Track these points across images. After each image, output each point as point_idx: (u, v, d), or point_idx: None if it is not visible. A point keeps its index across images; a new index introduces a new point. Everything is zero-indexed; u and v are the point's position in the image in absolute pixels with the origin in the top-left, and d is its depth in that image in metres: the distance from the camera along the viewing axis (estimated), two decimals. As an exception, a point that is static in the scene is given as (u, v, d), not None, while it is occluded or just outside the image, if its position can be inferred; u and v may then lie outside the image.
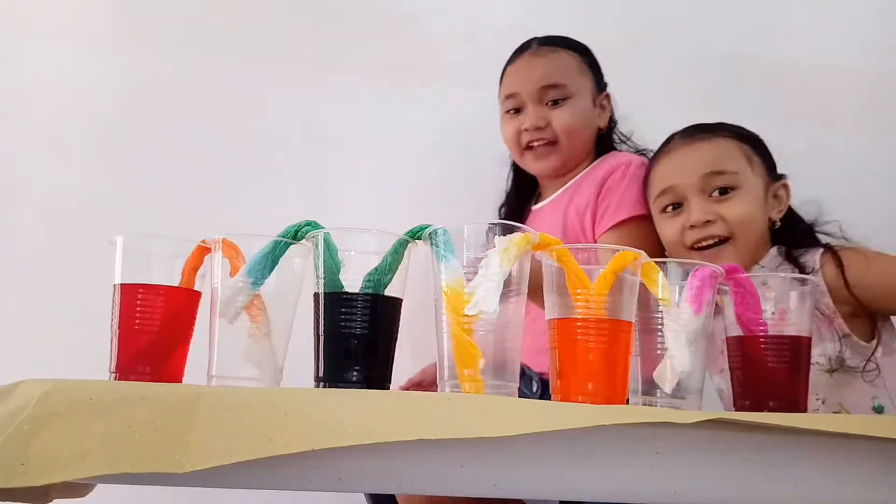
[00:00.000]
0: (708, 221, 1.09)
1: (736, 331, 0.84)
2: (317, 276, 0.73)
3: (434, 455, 0.59)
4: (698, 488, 0.64)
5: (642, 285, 0.75)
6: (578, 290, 0.71)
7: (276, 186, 1.56)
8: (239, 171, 1.55)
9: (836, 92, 1.77)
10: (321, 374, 0.71)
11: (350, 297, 0.71)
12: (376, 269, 0.72)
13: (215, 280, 0.75)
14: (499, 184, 1.57)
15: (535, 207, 1.41)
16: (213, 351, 0.74)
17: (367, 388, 0.70)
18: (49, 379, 0.56)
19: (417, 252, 0.75)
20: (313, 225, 0.74)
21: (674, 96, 1.71)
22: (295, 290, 0.77)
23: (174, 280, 0.78)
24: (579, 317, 0.71)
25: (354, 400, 0.58)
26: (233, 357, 0.74)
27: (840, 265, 1.05)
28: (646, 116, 1.68)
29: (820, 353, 1.04)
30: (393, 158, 1.60)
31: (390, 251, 0.72)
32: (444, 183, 1.58)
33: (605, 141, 1.39)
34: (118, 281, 0.77)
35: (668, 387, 0.74)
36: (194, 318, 0.79)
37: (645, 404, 0.76)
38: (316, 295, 0.73)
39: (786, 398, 0.81)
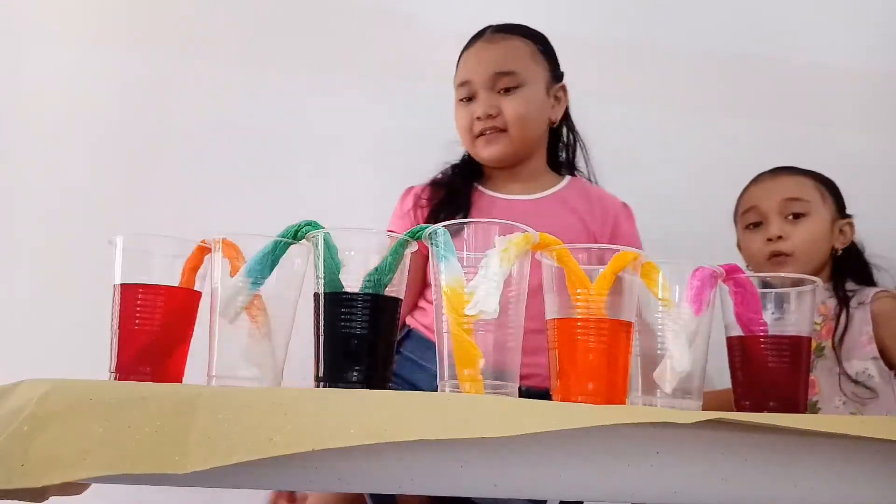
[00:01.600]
0: (780, 237, 1.34)
1: (736, 331, 0.84)
2: (317, 276, 0.73)
3: (434, 455, 0.59)
4: (698, 488, 0.63)
5: (642, 285, 0.75)
6: (578, 290, 0.71)
7: (276, 186, 1.56)
8: (239, 170, 1.56)
9: (836, 92, 1.77)
10: (321, 374, 0.71)
11: (350, 297, 0.71)
12: (376, 269, 0.72)
13: (215, 280, 0.75)
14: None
15: (495, 194, 1.35)
16: (213, 351, 0.74)
17: (367, 388, 0.70)
18: (49, 379, 0.56)
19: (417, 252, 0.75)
20: (313, 225, 0.74)
21: (674, 96, 1.71)
22: (295, 290, 0.77)
23: (174, 280, 0.78)
24: (579, 317, 0.71)
25: (354, 400, 0.58)
26: (233, 357, 0.74)
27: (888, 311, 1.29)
28: (646, 116, 1.69)
29: (850, 366, 1.26)
30: (393, 158, 1.60)
31: (390, 251, 0.72)
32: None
33: (559, 137, 1.39)
34: (118, 281, 0.77)
35: (668, 387, 0.74)
36: (194, 318, 0.79)
37: (645, 404, 0.76)
38: (316, 295, 0.73)
39: (786, 398, 0.81)
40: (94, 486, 0.56)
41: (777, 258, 1.34)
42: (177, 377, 0.77)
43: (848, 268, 1.38)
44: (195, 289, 0.79)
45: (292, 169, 1.58)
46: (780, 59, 1.76)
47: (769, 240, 1.35)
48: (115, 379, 0.74)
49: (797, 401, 0.81)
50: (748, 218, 1.41)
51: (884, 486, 0.66)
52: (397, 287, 0.73)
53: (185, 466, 0.52)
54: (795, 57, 1.76)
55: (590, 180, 1.42)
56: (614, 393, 0.70)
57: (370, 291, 0.71)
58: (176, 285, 0.78)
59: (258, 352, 0.73)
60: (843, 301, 1.31)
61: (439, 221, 0.75)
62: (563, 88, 1.37)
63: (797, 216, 1.35)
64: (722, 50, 1.74)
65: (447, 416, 0.58)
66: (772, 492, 0.64)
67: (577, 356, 0.71)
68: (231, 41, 1.57)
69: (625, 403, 0.71)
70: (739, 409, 0.83)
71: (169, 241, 0.79)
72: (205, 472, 0.52)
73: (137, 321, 0.75)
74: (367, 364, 0.71)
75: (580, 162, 1.42)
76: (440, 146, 1.60)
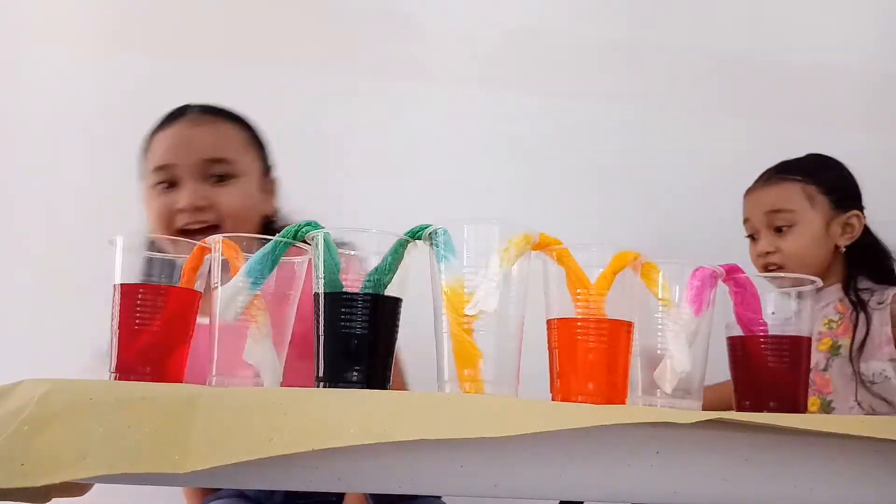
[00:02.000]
0: (769, 252, 1.33)
1: (736, 331, 0.84)
2: (317, 276, 0.73)
3: (434, 455, 0.59)
4: (698, 488, 0.64)
5: (642, 285, 0.75)
6: (578, 290, 0.71)
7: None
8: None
9: (836, 92, 1.77)
10: (321, 374, 0.71)
11: (350, 297, 0.71)
12: (376, 269, 0.72)
13: (215, 280, 0.75)
14: (497, 183, 1.57)
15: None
16: (213, 351, 0.74)
17: (367, 388, 0.70)
18: (49, 379, 0.56)
19: (417, 252, 0.75)
20: (313, 225, 0.74)
21: (674, 96, 1.71)
22: (295, 290, 0.77)
23: (174, 280, 0.78)
24: (579, 317, 0.71)
25: (354, 400, 0.58)
26: (233, 357, 0.74)
27: None
28: (646, 116, 1.69)
29: (866, 367, 1.27)
30: (393, 158, 1.60)
31: (390, 251, 0.72)
32: (444, 183, 1.58)
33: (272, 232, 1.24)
34: (118, 281, 0.77)
35: (668, 387, 0.74)
36: (194, 318, 0.79)
37: (645, 404, 0.76)
38: (316, 295, 0.73)
39: (786, 398, 0.81)
40: (96, 486, 0.56)
41: (771, 271, 1.33)
42: (177, 377, 0.77)
43: (861, 263, 1.35)
44: (195, 289, 0.79)
45: (292, 168, 1.58)
46: (780, 59, 1.76)
47: (758, 256, 1.37)
48: (115, 379, 0.74)
49: (797, 401, 0.81)
50: (746, 229, 1.42)
51: (884, 486, 0.66)
52: (397, 287, 0.73)
53: (185, 466, 0.52)
54: (796, 57, 1.76)
55: None
56: (614, 393, 0.70)
57: (370, 291, 0.71)
58: (176, 285, 0.78)
59: (258, 352, 0.73)
60: (860, 303, 1.29)
61: None
62: (274, 181, 1.23)
63: (783, 228, 1.35)
64: (722, 50, 1.74)
65: (447, 416, 0.58)
66: (772, 492, 0.64)
67: (577, 356, 0.71)
68: (230, 41, 1.57)
69: (625, 403, 0.71)
70: (739, 409, 0.83)
71: (169, 242, 0.79)
72: (205, 472, 0.52)
73: (137, 321, 0.75)
74: (367, 364, 0.71)
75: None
76: (438, 145, 1.60)
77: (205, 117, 1.15)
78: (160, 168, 1.11)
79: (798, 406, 0.81)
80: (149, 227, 1.14)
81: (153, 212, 1.12)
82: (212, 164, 1.11)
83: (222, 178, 1.11)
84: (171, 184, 1.11)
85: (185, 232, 1.09)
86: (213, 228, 1.09)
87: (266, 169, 1.21)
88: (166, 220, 1.10)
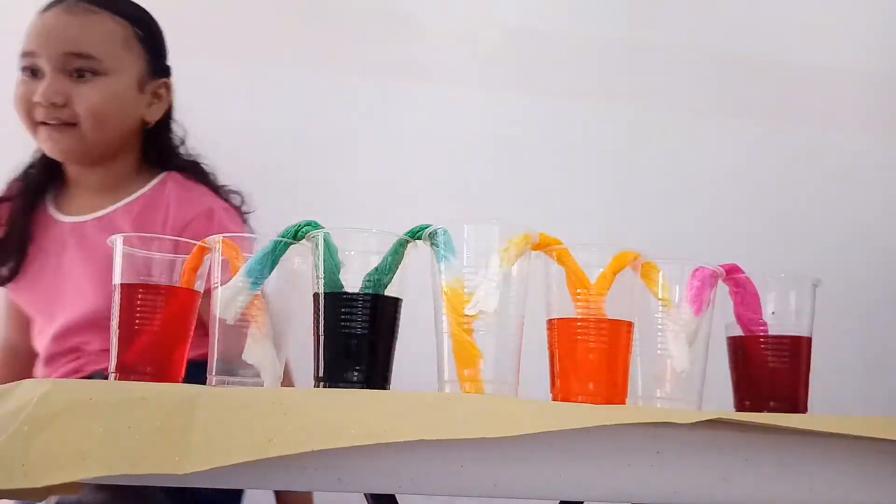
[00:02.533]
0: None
1: (736, 331, 0.84)
2: (317, 276, 0.73)
3: (434, 455, 0.59)
4: (698, 488, 0.64)
5: (642, 285, 0.75)
6: (578, 290, 0.71)
7: (276, 186, 1.56)
8: (238, 169, 1.55)
9: (836, 92, 1.77)
10: (321, 374, 0.71)
11: (350, 297, 0.71)
12: (376, 269, 0.72)
13: (215, 280, 0.75)
14: (497, 183, 1.57)
15: (64, 218, 1.13)
16: (213, 351, 0.74)
17: (367, 388, 0.70)
18: (49, 379, 0.56)
19: (417, 252, 0.75)
20: (313, 225, 0.74)
21: (674, 96, 1.71)
22: (295, 290, 0.77)
23: (174, 280, 0.78)
24: (579, 317, 0.71)
25: (354, 400, 0.58)
26: (233, 357, 0.74)
27: None
28: (646, 116, 1.69)
29: None
30: (393, 158, 1.60)
31: (390, 251, 0.72)
32: (444, 183, 1.58)
33: (160, 140, 1.17)
34: (118, 281, 0.77)
35: (668, 387, 0.75)
36: (194, 318, 0.79)
37: (645, 404, 0.76)
38: (316, 295, 0.73)
39: (786, 398, 0.81)
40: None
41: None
42: (177, 377, 0.77)
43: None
44: (195, 289, 0.79)
45: (291, 168, 1.58)
46: (780, 60, 1.76)
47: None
48: (115, 379, 0.74)
49: (797, 401, 0.81)
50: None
51: (884, 486, 0.66)
52: (397, 287, 0.73)
53: (185, 466, 0.52)
54: (795, 57, 1.76)
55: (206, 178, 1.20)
56: (614, 393, 0.70)
57: (370, 291, 0.71)
58: (176, 285, 0.78)
59: (258, 352, 0.73)
60: None
61: None
62: (167, 86, 1.15)
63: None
64: (722, 50, 1.74)
65: (447, 416, 0.58)
66: (771, 492, 0.64)
67: (577, 356, 0.71)
68: (229, 41, 1.57)
69: (625, 403, 0.71)
70: (739, 409, 0.83)
71: (169, 241, 0.79)
72: (205, 472, 0.52)
73: (137, 321, 0.75)
74: (367, 364, 0.71)
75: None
76: (438, 145, 1.60)
77: (79, 5, 1.07)
78: (25, 54, 1.07)
79: (798, 406, 0.81)
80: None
81: (15, 99, 1.08)
82: (73, 59, 1.05)
83: (83, 74, 1.05)
84: (34, 72, 1.06)
85: (43, 124, 1.06)
86: (70, 126, 1.05)
87: (153, 71, 1.13)
88: (25, 110, 1.07)
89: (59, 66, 1.04)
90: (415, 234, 0.74)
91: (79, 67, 1.05)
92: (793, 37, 1.78)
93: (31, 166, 1.16)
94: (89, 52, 1.05)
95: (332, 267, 0.71)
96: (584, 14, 1.70)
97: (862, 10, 1.81)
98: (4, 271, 1.13)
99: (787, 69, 1.76)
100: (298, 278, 0.77)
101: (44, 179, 1.15)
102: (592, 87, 1.67)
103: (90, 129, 1.06)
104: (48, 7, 1.09)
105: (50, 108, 1.04)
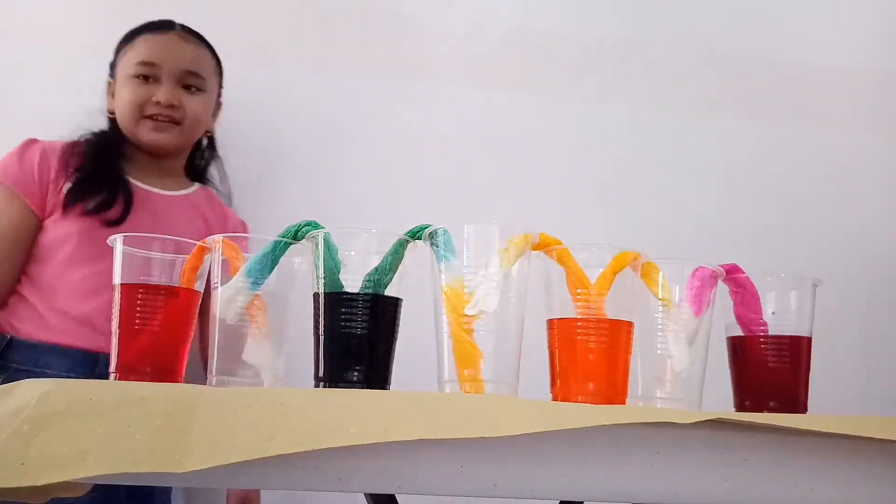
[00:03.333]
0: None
1: (736, 331, 0.84)
2: (317, 276, 0.73)
3: (434, 455, 0.59)
4: (698, 488, 0.64)
5: (642, 285, 0.75)
6: (578, 290, 0.71)
7: (276, 186, 1.56)
8: (238, 169, 1.56)
9: (836, 92, 1.77)
10: (321, 374, 0.71)
11: (350, 297, 0.71)
12: (376, 269, 0.72)
13: (215, 280, 0.75)
14: (497, 183, 1.57)
15: (137, 183, 1.32)
16: (213, 351, 0.74)
17: (367, 388, 0.70)
18: (49, 379, 0.56)
19: (417, 252, 0.75)
20: (313, 225, 0.74)
21: (673, 96, 1.71)
22: (295, 291, 0.77)
23: (174, 280, 0.78)
24: (579, 317, 0.71)
25: (354, 400, 0.58)
26: (233, 357, 0.74)
27: None
28: (646, 116, 1.69)
29: None
30: (393, 158, 1.60)
31: (390, 251, 0.72)
32: (444, 183, 1.58)
33: (204, 152, 1.45)
34: (118, 281, 0.77)
35: (668, 387, 0.75)
36: (194, 318, 0.79)
37: (645, 404, 0.76)
38: (316, 295, 0.73)
39: (786, 398, 0.81)
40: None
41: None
42: (177, 377, 0.77)
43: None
44: (195, 289, 0.79)
45: (291, 168, 1.58)
46: (779, 60, 1.76)
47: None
48: (115, 379, 0.74)
49: (797, 401, 0.81)
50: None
51: (884, 486, 0.66)
52: (397, 287, 0.73)
53: (184, 466, 0.52)
54: (795, 57, 1.76)
55: (224, 196, 1.46)
56: (614, 393, 0.70)
57: (370, 291, 0.71)
58: (176, 285, 0.78)
59: (258, 352, 0.73)
60: None
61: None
62: (220, 106, 1.44)
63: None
64: (721, 50, 1.74)
65: (447, 416, 0.58)
66: (771, 492, 0.64)
67: (577, 356, 0.71)
68: (229, 41, 1.57)
69: (625, 403, 0.72)
70: (739, 409, 0.83)
71: (169, 241, 0.79)
72: (205, 472, 0.52)
73: (137, 321, 0.75)
74: (367, 364, 0.71)
75: (216, 180, 1.47)
76: (438, 145, 1.60)
77: (191, 36, 1.37)
78: (145, 63, 1.31)
79: (798, 406, 0.81)
80: (119, 112, 1.31)
81: (126, 97, 1.31)
82: (190, 76, 1.33)
83: (189, 88, 1.33)
84: (151, 79, 1.31)
85: (150, 118, 1.30)
86: (175, 124, 1.31)
87: (219, 93, 1.43)
88: (139, 106, 1.30)
89: (177, 79, 1.32)
90: (415, 234, 0.74)
91: (192, 83, 1.33)
92: (793, 37, 1.78)
93: (97, 136, 1.34)
94: (200, 73, 1.34)
95: (332, 267, 0.71)
96: (583, 14, 1.70)
97: (862, 10, 1.81)
98: (115, 212, 1.24)
99: (787, 69, 1.76)
100: (298, 278, 0.77)
101: (111, 151, 1.33)
102: (592, 87, 1.67)
103: (188, 128, 1.34)
104: (156, 29, 1.35)
105: (167, 107, 1.30)
